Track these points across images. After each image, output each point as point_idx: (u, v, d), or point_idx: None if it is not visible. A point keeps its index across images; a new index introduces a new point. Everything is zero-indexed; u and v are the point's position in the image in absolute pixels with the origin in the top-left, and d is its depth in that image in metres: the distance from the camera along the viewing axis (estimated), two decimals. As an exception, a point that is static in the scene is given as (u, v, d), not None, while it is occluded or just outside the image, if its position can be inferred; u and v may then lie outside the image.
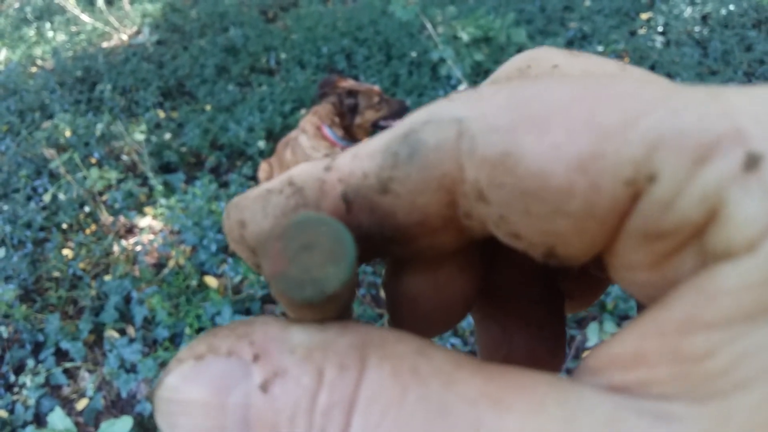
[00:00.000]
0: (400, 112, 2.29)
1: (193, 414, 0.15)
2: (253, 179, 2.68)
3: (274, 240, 0.15)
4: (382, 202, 0.16)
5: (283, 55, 3.74)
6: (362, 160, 0.16)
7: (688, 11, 3.31)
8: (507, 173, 0.14)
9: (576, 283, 0.25)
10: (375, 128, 2.32)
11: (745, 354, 0.12)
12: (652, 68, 2.93)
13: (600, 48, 3.16)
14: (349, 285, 0.15)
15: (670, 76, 2.84)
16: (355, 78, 3.35)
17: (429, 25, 2.92)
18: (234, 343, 0.15)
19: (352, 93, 2.23)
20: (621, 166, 0.13)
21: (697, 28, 3.19)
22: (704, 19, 3.29)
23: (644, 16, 3.41)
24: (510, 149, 0.14)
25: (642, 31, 3.28)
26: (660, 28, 3.23)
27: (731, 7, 3.26)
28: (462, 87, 2.90)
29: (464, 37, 3.12)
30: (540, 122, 0.14)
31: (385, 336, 0.15)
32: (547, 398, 0.13)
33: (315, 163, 0.17)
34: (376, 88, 2.27)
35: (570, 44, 3.36)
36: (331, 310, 0.15)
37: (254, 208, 0.18)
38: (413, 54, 3.38)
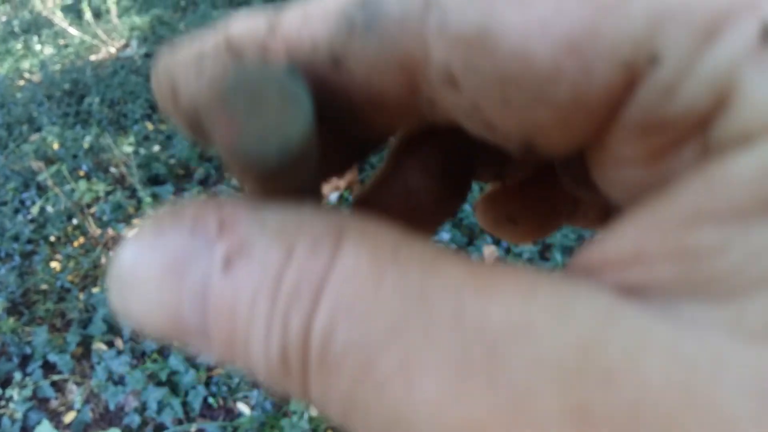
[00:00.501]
0: None
1: (147, 292, 0.14)
2: (243, 190, 2.68)
3: (219, 103, 0.12)
4: (333, 79, 0.14)
5: (271, 68, 3.75)
6: (313, 24, 0.14)
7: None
8: (483, 54, 0.12)
9: (530, 205, 0.22)
10: None
11: (760, 249, 0.10)
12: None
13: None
14: (312, 145, 0.13)
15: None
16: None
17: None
18: (199, 214, 0.13)
19: None
20: (618, 45, 0.11)
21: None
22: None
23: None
24: (488, 25, 0.12)
25: None
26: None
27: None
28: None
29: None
30: None
31: (364, 222, 0.13)
32: (539, 288, 0.12)
33: (257, 19, 0.15)
34: None
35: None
36: (298, 179, 0.14)
37: (187, 73, 0.16)
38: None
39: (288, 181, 0.14)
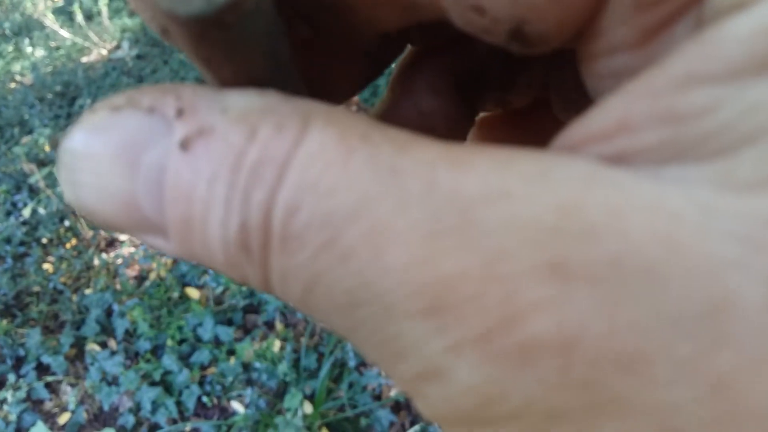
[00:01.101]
0: None
1: (100, 171, 0.13)
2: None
3: None
4: None
5: (263, 68, 3.75)
6: None
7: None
8: None
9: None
10: None
11: (755, 105, 0.10)
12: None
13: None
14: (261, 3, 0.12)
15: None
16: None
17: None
18: (157, 97, 0.13)
19: None
20: None
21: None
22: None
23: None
24: None
25: None
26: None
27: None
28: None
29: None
30: None
31: (336, 108, 0.12)
32: (516, 158, 0.11)
33: None
34: (355, 98, 2.30)
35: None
36: (257, 48, 0.13)
37: None
38: (392, 66, 3.42)
39: (235, 51, 0.13)
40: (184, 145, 0.12)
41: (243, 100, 0.12)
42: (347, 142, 0.11)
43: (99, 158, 0.13)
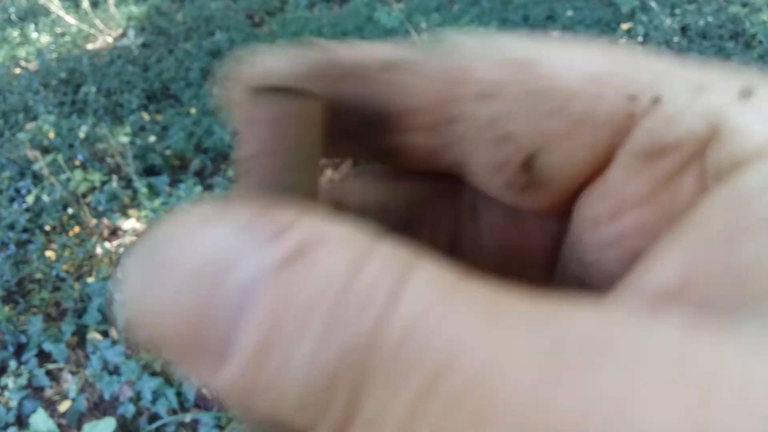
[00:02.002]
0: None
1: (176, 281, 0.12)
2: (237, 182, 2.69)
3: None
4: (383, 79, 0.16)
5: (268, 60, 3.74)
6: (375, 46, 0.17)
7: (667, 22, 3.37)
8: (525, 72, 0.15)
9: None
10: None
11: None
12: (632, 78, 2.98)
13: (581, 57, 3.20)
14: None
15: (649, 85, 2.89)
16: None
17: (414, 33, 2.95)
18: (254, 214, 0.12)
19: None
20: (628, 83, 0.14)
21: (676, 39, 3.25)
22: (683, 30, 3.35)
23: (625, 26, 3.46)
24: (534, 56, 0.15)
25: (622, 41, 3.33)
26: (640, 39, 3.29)
27: (709, 19, 3.33)
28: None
29: (448, 44, 3.14)
30: (564, 48, 0.15)
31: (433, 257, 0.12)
32: (615, 311, 0.11)
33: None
34: None
35: (552, 53, 3.41)
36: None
37: (277, 55, 0.16)
38: (398, 60, 3.41)
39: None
40: (281, 267, 0.11)
41: (345, 228, 0.12)
42: (453, 280, 0.11)
43: (179, 267, 0.12)
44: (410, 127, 0.16)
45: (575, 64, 0.15)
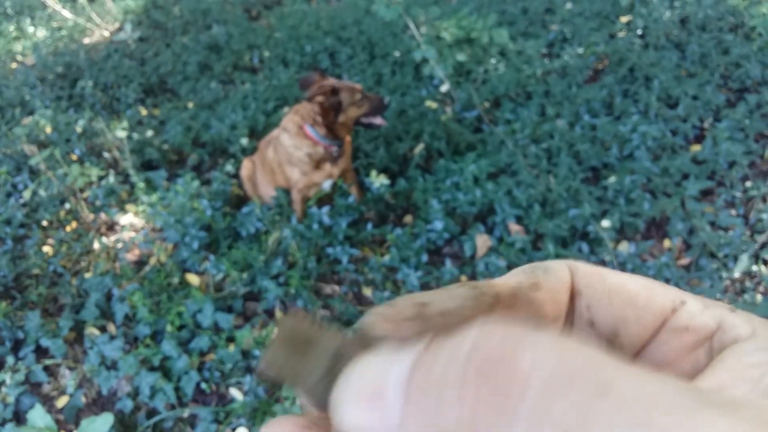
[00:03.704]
0: (380, 107, 2.29)
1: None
2: (236, 177, 2.68)
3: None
4: (529, 298, 0.23)
5: (266, 54, 3.74)
6: (514, 276, 0.24)
7: (666, 14, 3.36)
8: (601, 282, 0.23)
9: None
10: (357, 125, 2.33)
11: None
12: (631, 70, 2.97)
13: (580, 50, 3.19)
14: None
15: (648, 78, 2.88)
16: (338, 77, 3.36)
17: (412, 25, 2.94)
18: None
19: (335, 91, 2.23)
20: (663, 300, 0.23)
21: (675, 31, 3.24)
22: (683, 22, 3.34)
23: (624, 19, 3.45)
24: (605, 276, 0.24)
25: (621, 34, 3.32)
26: (639, 31, 3.28)
27: (709, 11, 3.31)
28: (444, 87, 2.92)
29: (447, 37, 3.13)
30: (613, 272, 0.24)
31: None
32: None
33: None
34: (357, 85, 2.28)
35: (551, 46, 3.40)
36: None
37: (440, 294, 0.20)
38: (396, 53, 3.40)
39: None
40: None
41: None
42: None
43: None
44: (550, 311, 0.23)
45: (628, 278, 0.23)
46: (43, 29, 4.76)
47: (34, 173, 2.93)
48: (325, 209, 2.31)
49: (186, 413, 1.88)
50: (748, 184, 2.31)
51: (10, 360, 2.06)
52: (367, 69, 3.32)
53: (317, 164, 2.31)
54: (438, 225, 2.24)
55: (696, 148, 2.49)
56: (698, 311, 0.22)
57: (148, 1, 4.77)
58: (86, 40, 4.45)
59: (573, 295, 0.24)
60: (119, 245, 2.43)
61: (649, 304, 0.23)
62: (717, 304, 0.22)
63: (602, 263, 2.09)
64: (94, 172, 2.77)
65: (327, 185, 2.37)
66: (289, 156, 2.31)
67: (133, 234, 2.50)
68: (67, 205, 2.68)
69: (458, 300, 0.20)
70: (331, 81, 2.26)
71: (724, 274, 2.00)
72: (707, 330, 0.22)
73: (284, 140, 2.31)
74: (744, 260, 1.99)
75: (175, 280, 2.21)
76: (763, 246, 2.07)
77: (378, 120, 2.35)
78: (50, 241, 2.54)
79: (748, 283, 2.00)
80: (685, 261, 2.10)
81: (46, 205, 2.68)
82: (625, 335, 0.23)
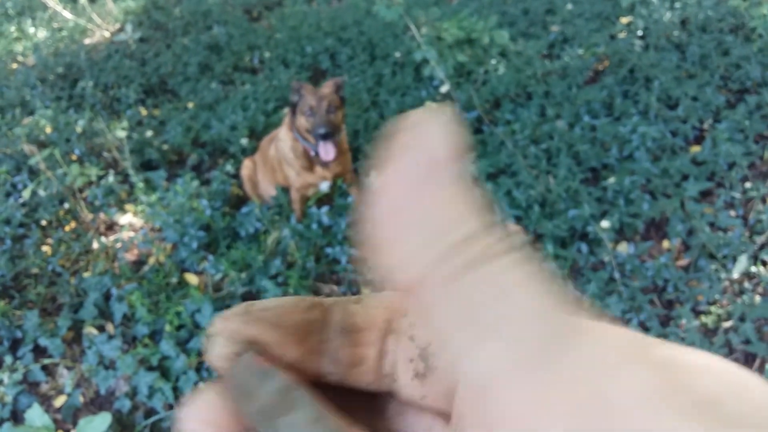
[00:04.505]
0: (324, 133, 2.16)
1: None
2: (235, 177, 2.68)
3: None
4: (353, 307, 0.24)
5: (266, 54, 3.74)
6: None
7: (667, 16, 3.36)
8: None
9: None
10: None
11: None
12: (631, 71, 2.97)
13: (580, 51, 3.19)
14: None
15: (648, 79, 2.88)
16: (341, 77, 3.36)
17: (413, 26, 2.94)
18: None
19: (298, 90, 2.25)
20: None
21: (675, 33, 3.23)
22: (683, 23, 3.34)
23: (624, 20, 3.45)
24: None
25: (622, 35, 3.32)
26: (639, 32, 3.27)
27: (709, 12, 3.31)
28: (444, 88, 2.92)
29: (447, 38, 3.14)
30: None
31: None
32: None
33: None
34: (326, 97, 2.21)
35: (551, 47, 3.40)
36: None
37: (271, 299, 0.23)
38: (397, 54, 3.40)
39: None
40: None
41: None
42: None
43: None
44: (362, 341, 0.23)
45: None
46: (43, 30, 4.76)
47: (33, 173, 2.93)
48: (325, 209, 2.31)
49: (184, 413, 1.88)
50: (748, 185, 2.30)
51: (8, 359, 2.06)
52: (368, 70, 3.32)
53: (309, 166, 2.31)
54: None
55: (696, 149, 2.48)
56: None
57: (148, 1, 4.78)
58: (87, 41, 4.46)
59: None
60: (118, 245, 2.43)
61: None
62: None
63: (601, 264, 2.09)
64: (94, 172, 2.77)
65: (324, 186, 2.37)
66: (284, 154, 2.32)
67: (132, 234, 2.50)
68: (67, 205, 2.68)
69: (281, 302, 0.22)
70: (308, 89, 2.23)
71: (723, 275, 1.99)
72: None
73: (280, 136, 2.32)
74: (743, 261, 1.99)
75: (174, 279, 2.21)
76: (762, 247, 2.07)
77: (323, 150, 2.22)
78: (49, 240, 2.54)
79: (747, 284, 1.99)
80: (684, 262, 2.10)
81: (45, 205, 2.68)
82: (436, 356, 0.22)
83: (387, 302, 0.24)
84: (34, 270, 2.38)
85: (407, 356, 0.22)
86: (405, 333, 0.22)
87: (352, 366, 0.23)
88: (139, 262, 2.37)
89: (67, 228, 2.58)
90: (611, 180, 2.32)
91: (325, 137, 2.17)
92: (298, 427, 0.19)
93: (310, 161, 2.30)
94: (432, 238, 0.17)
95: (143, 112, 3.37)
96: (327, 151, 2.20)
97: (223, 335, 0.21)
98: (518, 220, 2.27)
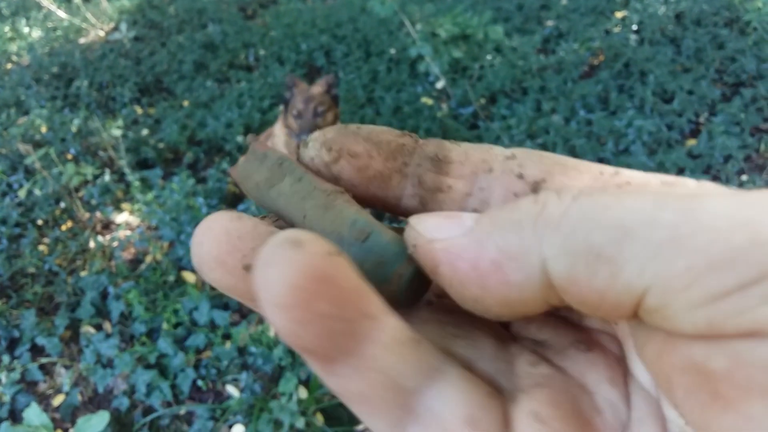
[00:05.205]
0: (312, 131, 2.16)
1: None
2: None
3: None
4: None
5: (261, 52, 3.73)
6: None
7: (662, 10, 3.36)
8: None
9: None
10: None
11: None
12: (626, 66, 2.97)
13: (575, 45, 3.19)
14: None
15: (643, 73, 2.88)
16: (335, 75, 3.36)
17: (407, 23, 2.94)
18: None
19: (291, 87, 2.24)
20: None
21: (670, 27, 3.24)
22: (678, 17, 3.34)
23: (619, 14, 3.45)
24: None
25: (617, 30, 3.32)
26: (634, 27, 3.28)
27: (704, 6, 3.31)
28: (440, 83, 2.92)
29: (442, 34, 3.14)
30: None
31: None
32: None
33: None
34: (315, 89, 2.21)
35: (546, 42, 3.40)
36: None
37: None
38: (392, 51, 3.40)
39: None
40: None
41: None
42: None
43: None
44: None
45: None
46: (38, 30, 4.75)
47: (29, 172, 2.92)
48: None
49: (182, 411, 1.88)
50: (744, 178, 2.31)
51: (5, 359, 2.06)
52: (363, 66, 3.32)
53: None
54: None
55: (691, 142, 2.49)
56: (636, 174, 0.20)
57: (143, 0, 4.76)
58: (81, 40, 4.44)
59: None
60: (115, 244, 2.42)
61: (578, 166, 0.21)
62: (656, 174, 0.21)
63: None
64: (90, 171, 2.76)
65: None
66: (279, 149, 2.31)
67: (128, 232, 2.50)
68: (63, 204, 2.68)
69: (376, 127, 0.23)
70: (302, 87, 2.23)
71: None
72: (652, 185, 0.20)
73: (275, 131, 2.32)
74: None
75: (171, 278, 2.21)
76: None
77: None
78: (46, 239, 2.53)
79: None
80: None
81: (41, 204, 2.67)
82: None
83: (488, 148, 0.23)
84: (31, 269, 2.37)
85: (508, 191, 0.22)
86: (511, 171, 0.22)
87: (435, 191, 0.23)
88: (136, 261, 2.37)
89: (63, 227, 2.58)
90: (607, 174, 2.32)
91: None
92: (285, 191, 0.21)
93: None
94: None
95: (138, 110, 3.37)
96: None
97: (318, 140, 0.22)
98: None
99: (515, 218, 0.17)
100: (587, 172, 0.21)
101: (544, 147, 2.53)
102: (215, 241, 0.21)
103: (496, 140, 2.59)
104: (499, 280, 0.17)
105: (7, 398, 1.95)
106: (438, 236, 0.19)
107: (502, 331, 0.23)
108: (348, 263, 0.16)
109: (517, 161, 0.22)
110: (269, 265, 0.15)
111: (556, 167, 0.21)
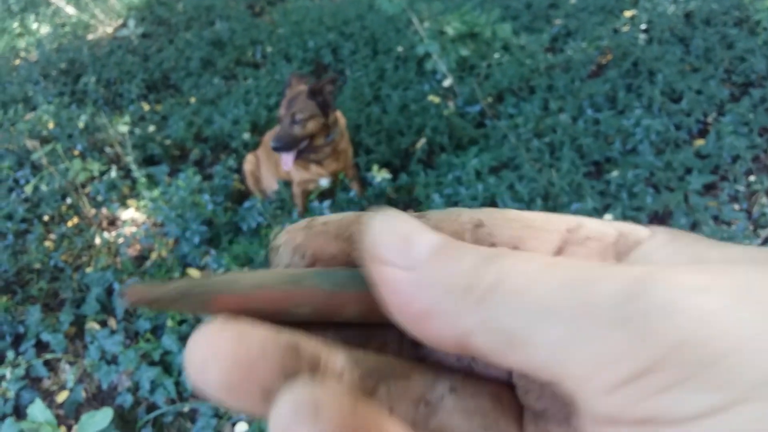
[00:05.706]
0: (282, 145, 2.15)
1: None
2: (237, 171, 2.68)
3: None
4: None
5: (269, 49, 3.73)
6: None
7: (671, 9, 3.33)
8: (500, 213, 0.23)
9: None
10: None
11: None
12: (635, 65, 2.95)
13: (584, 44, 3.17)
14: None
15: (652, 72, 2.86)
16: (341, 72, 3.35)
17: (415, 20, 2.92)
18: None
19: (288, 84, 2.24)
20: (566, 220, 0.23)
21: (679, 26, 3.21)
22: (687, 16, 3.31)
23: (628, 13, 3.43)
24: (504, 210, 0.24)
25: (625, 29, 3.30)
26: (643, 26, 3.25)
27: (713, 5, 3.29)
28: (447, 81, 2.91)
29: (450, 32, 3.12)
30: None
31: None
32: None
33: None
34: (299, 96, 2.17)
35: (555, 40, 3.38)
36: None
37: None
38: (399, 48, 3.39)
39: None
40: None
41: None
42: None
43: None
44: None
45: (525, 212, 0.23)
46: (46, 26, 4.76)
47: (36, 168, 2.93)
48: (327, 203, 2.31)
49: (186, 408, 1.88)
50: (752, 178, 2.29)
51: (10, 355, 2.06)
52: (370, 64, 3.31)
53: (304, 163, 2.30)
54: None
55: (699, 142, 2.47)
56: (596, 226, 0.22)
57: (151, -3, 4.77)
58: (89, 36, 4.45)
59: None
60: (120, 240, 2.42)
61: (545, 225, 0.22)
62: (612, 223, 0.22)
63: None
64: (96, 167, 2.77)
65: (323, 182, 2.36)
66: None
67: (134, 229, 2.50)
68: (69, 200, 2.68)
69: (342, 215, 0.23)
70: (300, 87, 2.21)
71: (728, 269, 1.98)
72: (609, 236, 0.21)
73: (248, 157, 2.33)
74: (748, 255, 1.97)
75: (176, 274, 2.21)
76: (765, 240, 2.06)
77: (282, 160, 2.21)
78: (51, 235, 2.54)
79: (751, 278, 1.98)
80: (688, 256, 2.08)
81: (47, 200, 2.68)
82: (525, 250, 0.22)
83: (456, 216, 0.23)
84: (37, 265, 2.38)
85: None
86: (483, 242, 0.22)
87: None
88: (142, 257, 2.37)
89: (69, 223, 2.59)
90: (614, 173, 2.30)
91: (277, 150, 2.17)
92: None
93: (305, 159, 2.29)
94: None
95: (145, 107, 3.37)
96: (285, 161, 2.20)
97: (288, 247, 0.23)
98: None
99: (452, 281, 0.18)
100: (555, 230, 0.22)
101: (551, 145, 2.52)
102: (224, 371, 0.19)
103: (503, 138, 2.57)
104: (425, 327, 0.18)
105: (11, 394, 1.96)
106: (385, 256, 0.19)
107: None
108: (370, 409, 0.17)
109: (487, 229, 0.22)
110: None
111: (525, 231, 0.22)
